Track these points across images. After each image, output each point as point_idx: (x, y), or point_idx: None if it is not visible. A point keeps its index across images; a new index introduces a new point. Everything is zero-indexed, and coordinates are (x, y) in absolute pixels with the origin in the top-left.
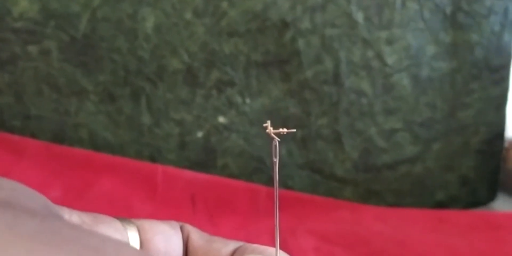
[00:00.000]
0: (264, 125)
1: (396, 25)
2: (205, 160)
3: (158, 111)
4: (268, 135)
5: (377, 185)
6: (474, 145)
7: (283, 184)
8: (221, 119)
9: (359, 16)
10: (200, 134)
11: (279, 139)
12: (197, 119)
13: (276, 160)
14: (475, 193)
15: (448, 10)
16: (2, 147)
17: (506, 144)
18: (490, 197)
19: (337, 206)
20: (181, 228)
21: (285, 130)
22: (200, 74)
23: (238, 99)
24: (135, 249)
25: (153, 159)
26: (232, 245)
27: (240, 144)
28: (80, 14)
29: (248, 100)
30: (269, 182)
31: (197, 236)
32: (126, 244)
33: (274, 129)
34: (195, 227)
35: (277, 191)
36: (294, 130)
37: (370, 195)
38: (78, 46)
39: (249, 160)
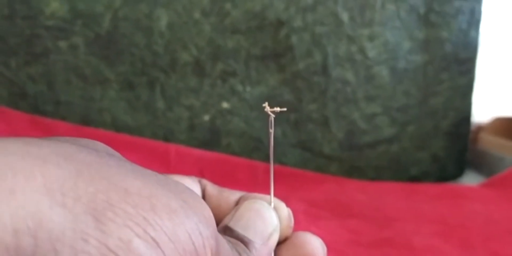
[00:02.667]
0: (263, 105)
1: (376, 24)
2: (211, 140)
3: (171, 97)
4: (266, 112)
5: (359, 162)
6: (444, 128)
7: (278, 161)
8: (225, 105)
9: (345, 16)
10: (207, 117)
11: (274, 115)
12: (204, 105)
13: (272, 131)
14: (445, 169)
15: (422, 10)
16: (36, 128)
17: (472, 128)
18: (458, 173)
19: (324, 179)
20: (199, 181)
21: (278, 108)
22: (207, 66)
23: (240, 88)
24: (184, 184)
25: (166, 139)
26: (238, 194)
27: (242, 126)
28: (104, 14)
29: (248, 88)
30: (266, 159)
31: (211, 187)
32: (177, 181)
33: (270, 108)
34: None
35: (272, 156)
36: (285, 109)
37: (353, 171)
38: (102, 41)
39: (249, 140)
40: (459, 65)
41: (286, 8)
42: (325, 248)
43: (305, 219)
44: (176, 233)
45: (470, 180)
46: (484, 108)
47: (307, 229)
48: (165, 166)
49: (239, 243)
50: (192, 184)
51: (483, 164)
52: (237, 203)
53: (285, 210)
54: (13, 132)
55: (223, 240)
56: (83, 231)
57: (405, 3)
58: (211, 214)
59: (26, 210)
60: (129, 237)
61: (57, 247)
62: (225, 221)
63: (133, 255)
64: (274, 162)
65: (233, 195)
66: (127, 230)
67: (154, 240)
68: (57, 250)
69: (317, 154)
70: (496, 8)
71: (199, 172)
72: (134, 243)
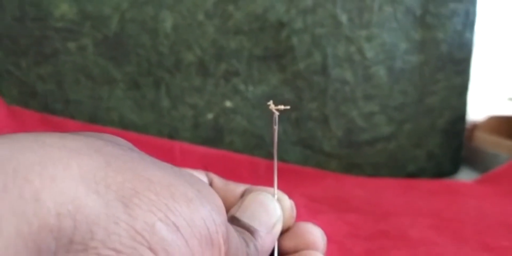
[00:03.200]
0: (268, 103)
1: (374, 25)
2: (214, 137)
3: (176, 97)
4: (270, 110)
5: (358, 159)
6: (440, 126)
7: (280, 158)
8: (228, 104)
9: (343, 18)
10: (210, 116)
11: (278, 113)
12: (208, 104)
13: (276, 127)
14: (441, 166)
15: (418, 12)
16: (46, 126)
17: (467, 126)
18: (453, 170)
19: (324, 176)
20: (206, 175)
21: (282, 106)
22: (210, 66)
23: (242, 87)
24: (197, 176)
25: (171, 136)
26: (242, 186)
27: (244, 124)
28: (111, 16)
29: (250, 88)
30: (268, 156)
31: (217, 180)
32: (191, 173)
33: (275, 106)
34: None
35: (276, 151)
36: (289, 107)
37: (352, 167)
38: (110, 42)
39: (251, 138)
40: (454, 65)
41: (287, 10)
42: (325, 237)
43: (306, 213)
44: (193, 219)
45: (465, 176)
46: (479, 107)
47: None
48: (170, 163)
49: (245, 232)
50: (200, 177)
51: (477, 161)
52: (242, 195)
53: (288, 202)
54: (24, 130)
55: (231, 228)
56: (114, 215)
57: (401, 5)
58: (222, 204)
59: (66, 196)
60: (153, 220)
61: (93, 229)
62: (232, 212)
63: (157, 237)
64: (277, 159)
65: (238, 187)
66: (151, 214)
67: (174, 224)
68: (93, 232)
69: (317, 152)
70: (490, 10)
71: (203, 168)
72: (157, 226)
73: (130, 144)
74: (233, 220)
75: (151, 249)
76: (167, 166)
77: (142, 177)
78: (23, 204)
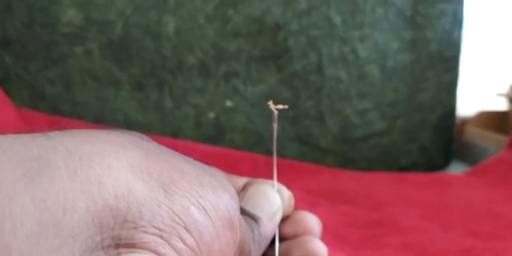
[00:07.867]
0: (268, 103)
1: (366, 26)
2: (216, 135)
3: (178, 97)
4: (270, 109)
5: (352, 154)
6: (431, 122)
7: (278, 154)
8: (228, 103)
9: (337, 20)
10: (212, 115)
11: (277, 112)
12: (209, 103)
13: (275, 125)
14: (432, 160)
15: (408, 13)
16: (55, 128)
17: (457, 121)
18: (445, 164)
19: (320, 171)
20: None
21: (281, 106)
22: (211, 67)
23: (242, 87)
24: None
25: (175, 135)
26: (244, 179)
27: (244, 122)
28: (116, 21)
29: (249, 88)
30: (267, 152)
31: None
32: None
33: (274, 105)
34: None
35: (276, 148)
36: (287, 106)
37: (347, 162)
38: (115, 46)
39: (251, 135)
40: (443, 63)
41: (283, 13)
42: (321, 224)
43: (304, 205)
44: (218, 204)
45: (456, 169)
46: (469, 103)
47: None
48: None
49: (249, 219)
50: None
51: (468, 154)
52: (244, 187)
53: (287, 192)
54: (33, 131)
55: (240, 215)
56: (157, 199)
57: (393, 7)
58: (235, 193)
59: (121, 181)
60: (188, 204)
61: (141, 210)
62: None
63: (191, 218)
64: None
65: (240, 180)
66: (186, 200)
67: (204, 208)
68: (141, 212)
69: (313, 147)
70: (477, 9)
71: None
72: (191, 209)
73: (154, 141)
74: None
75: (186, 228)
76: (191, 159)
77: (175, 168)
78: (90, 186)
